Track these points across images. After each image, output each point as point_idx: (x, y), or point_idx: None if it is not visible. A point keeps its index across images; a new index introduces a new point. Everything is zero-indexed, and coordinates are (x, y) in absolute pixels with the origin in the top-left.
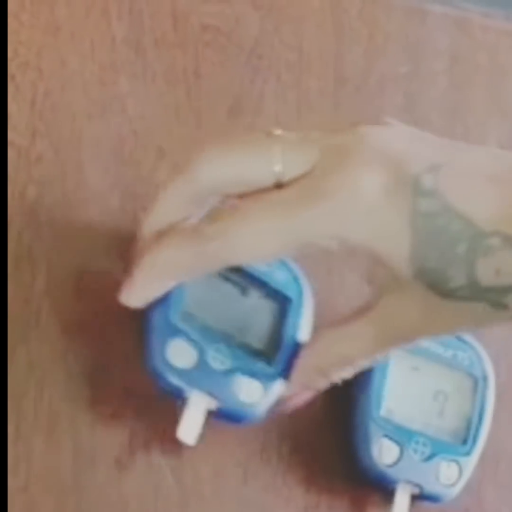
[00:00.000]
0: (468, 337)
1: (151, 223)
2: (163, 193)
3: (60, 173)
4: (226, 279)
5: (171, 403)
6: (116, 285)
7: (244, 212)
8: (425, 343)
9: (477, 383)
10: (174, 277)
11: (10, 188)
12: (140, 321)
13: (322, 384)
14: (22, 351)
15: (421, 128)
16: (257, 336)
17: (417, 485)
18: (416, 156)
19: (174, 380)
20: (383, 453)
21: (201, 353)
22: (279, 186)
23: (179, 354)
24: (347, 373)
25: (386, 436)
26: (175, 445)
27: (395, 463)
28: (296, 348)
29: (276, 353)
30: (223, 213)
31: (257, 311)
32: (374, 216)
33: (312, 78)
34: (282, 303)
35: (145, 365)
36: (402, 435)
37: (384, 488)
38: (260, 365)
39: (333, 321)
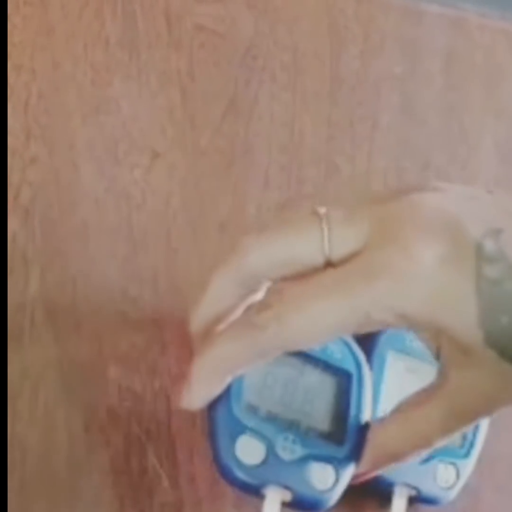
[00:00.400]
0: None
1: (201, 316)
2: (212, 284)
3: (54, 175)
4: (282, 362)
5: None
6: (109, 287)
7: (297, 296)
8: (420, 344)
9: None
10: (232, 372)
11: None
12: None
13: (395, 465)
14: (17, 355)
15: (418, 128)
16: (322, 417)
17: (415, 488)
18: (473, 219)
19: (247, 478)
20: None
21: (270, 445)
22: (329, 265)
23: (248, 450)
24: (421, 453)
25: None
26: (170, 449)
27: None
28: (364, 426)
29: (344, 433)
30: (272, 299)
31: (318, 391)
32: (436, 287)
33: (307, 79)
34: (343, 379)
35: (215, 463)
36: None
37: (381, 491)
38: (329, 448)
39: (402, 403)
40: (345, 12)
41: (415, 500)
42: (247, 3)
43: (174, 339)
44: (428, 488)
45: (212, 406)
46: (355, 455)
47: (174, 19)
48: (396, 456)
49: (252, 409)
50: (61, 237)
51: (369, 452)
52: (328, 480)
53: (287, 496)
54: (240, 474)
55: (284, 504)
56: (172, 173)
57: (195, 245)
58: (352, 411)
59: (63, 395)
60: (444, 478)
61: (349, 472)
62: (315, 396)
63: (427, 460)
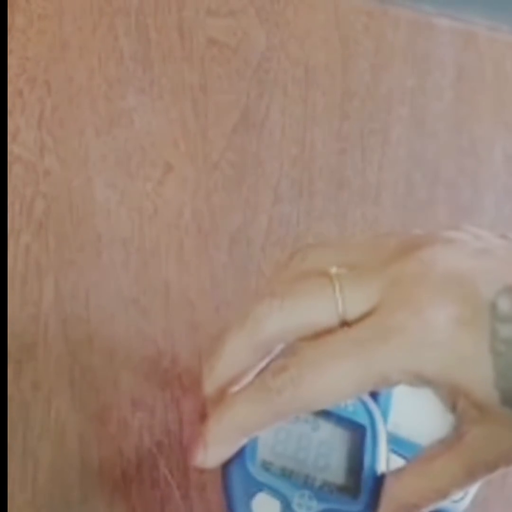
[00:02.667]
0: None
1: (214, 379)
2: (225, 349)
3: (67, 188)
4: (295, 417)
5: (172, 419)
6: (122, 298)
7: (312, 359)
8: None
9: None
10: (247, 433)
11: (18, 202)
12: (152, 327)
13: None
14: (30, 366)
15: (428, 141)
16: (337, 471)
17: None
18: (487, 276)
19: None
20: (390, 468)
21: (286, 502)
22: (344, 324)
23: (264, 508)
24: (436, 505)
25: (392, 450)
26: (181, 460)
27: None
28: (379, 478)
29: (359, 486)
30: (288, 361)
31: (332, 444)
32: (451, 350)
33: (318, 92)
34: (356, 432)
35: None
36: (408, 450)
37: None
38: (345, 502)
39: (419, 456)
40: (355, 26)
41: None
42: (259, 17)
43: (185, 351)
44: None
45: (227, 462)
46: (371, 508)
47: (187, 33)
48: (412, 508)
49: (267, 466)
50: (75, 249)
51: (385, 504)
52: None
53: None
54: None
55: None
56: (184, 186)
57: (206, 257)
58: (367, 464)
59: (75, 406)
60: None
61: None
62: (329, 450)
63: None
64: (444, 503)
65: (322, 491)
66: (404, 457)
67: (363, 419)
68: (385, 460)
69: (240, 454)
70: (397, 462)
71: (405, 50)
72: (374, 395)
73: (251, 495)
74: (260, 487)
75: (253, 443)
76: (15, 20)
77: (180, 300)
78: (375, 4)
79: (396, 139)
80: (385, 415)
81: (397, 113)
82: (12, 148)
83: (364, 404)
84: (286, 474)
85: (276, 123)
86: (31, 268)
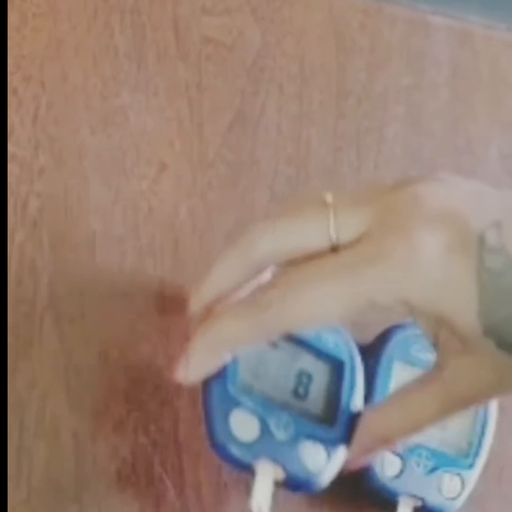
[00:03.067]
0: None
1: (202, 295)
2: (216, 266)
3: (62, 186)
4: (277, 347)
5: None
6: (117, 297)
7: (302, 278)
8: (427, 355)
9: None
10: (231, 348)
11: (12, 200)
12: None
13: (385, 449)
14: (25, 365)
15: (423, 139)
16: (315, 401)
17: (420, 498)
18: (476, 212)
19: (240, 453)
20: (385, 465)
21: (264, 422)
22: (335, 249)
23: (242, 426)
24: (412, 438)
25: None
26: (176, 458)
27: (398, 475)
28: (355, 411)
29: (336, 417)
30: (277, 280)
31: (312, 375)
32: (438, 276)
33: (314, 91)
34: (335, 367)
35: (209, 440)
36: (404, 448)
37: (386, 501)
38: (321, 429)
39: (398, 389)
40: (351, 24)
41: (420, 510)
42: (254, 15)
43: (180, 350)
44: (433, 499)
45: (208, 383)
46: (346, 437)
47: (182, 31)
48: (387, 440)
49: (247, 389)
50: (69, 248)
51: (361, 436)
52: (320, 461)
53: (279, 474)
54: (234, 450)
55: (277, 484)
56: (179, 184)
57: (201, 256)
58: (344, 398)
59: (70, 405)
60: (449, 489)
61: (340, 455)
62: (308, 380)
63: (432, 470)
64: (439, 499)
65: (299, 417)
66: (400, 456)
67: (343, 355)
68: (361, 398)
69: (220, 375)
70: (393, 461)
71: (401, 48)
72: (370, 392)
73: (229, 412)
74: (238, 404)
75: (235, 366)
76: (10, 18)
77: (175, 299)
78: (371, 2)
79: (392, 137)
80: None
81: (393, 111)
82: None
83: (345, 341)
84: (265, 398)
85: (271, 121)
86: (25, 267)
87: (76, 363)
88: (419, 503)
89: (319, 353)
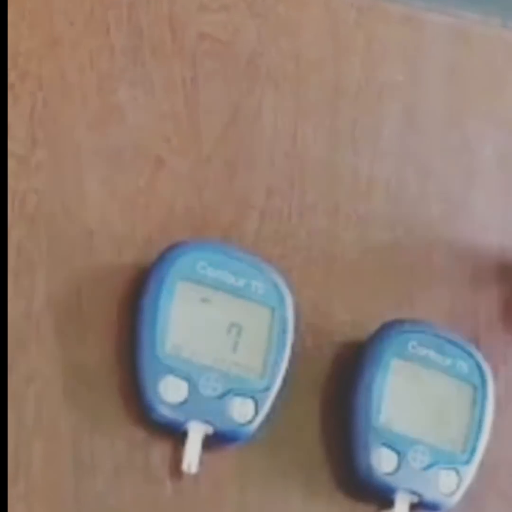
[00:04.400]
0: (468, 345)
1: None
2: None
3: (59, 183)
4: (207, 301)
5: None
6: (115, 294)
7: None
8: (425, 351)
9: (477, 391)
10: None
11: (9, 197)
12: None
13: None
14: (22, 362)
15: (419, 137)
16: (245, 353)
17: (416, 494)
18: None
19: (169, 415)
20: (382, 461)
21: (192, 384)
22: None
23: (170, 389)
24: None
25: (384, 444)
26: (173, 454)
27: (394, 471)
28: (286, 358)
29: (266, 366)
30: None
31: (241, 326)
32: None
33: (310, 87)
34: (265, 313)
35: (139, 402)
36: (401, 444)
37: (383, 497)
38: (251, 381)
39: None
40: (347, 21)
41: (417, 506)
42: (250, 11)
43: None
44: (430, 494)
45: (138, 346)
46: (274, 385)
47: (178, 28)
48: None
49: (177, 350)
50: (67, 244)
51: None
52: (248, 413)
53: (209, 430)
54: (163, 411)
55: (207, 438)
56: (176, 180)
57: None
58: (274, 345)
59: (67, 402)
60: (446, 484)
61: (269, 404)
62: (238, 331)
63: (429, 466)
64: (436, 495)
65: (230, 371)
66: (397, 452)
67: (273, 301)
68: (290, 344)
69: (149, 336)
70: (390, 456)
71: (396, 45)
72: (367, 387)
73: (158, 377)
74: (167, 370)
75: (165, 325)
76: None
77: None
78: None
79: (387, 135)
80: (378, 409)
81: (388, 108)
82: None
83: (275, 286)
84: (194, 356)
85: (267, 118)
86: (23, 263)
87: (74, 359)
88: (416, 499)
89: (249, 302)
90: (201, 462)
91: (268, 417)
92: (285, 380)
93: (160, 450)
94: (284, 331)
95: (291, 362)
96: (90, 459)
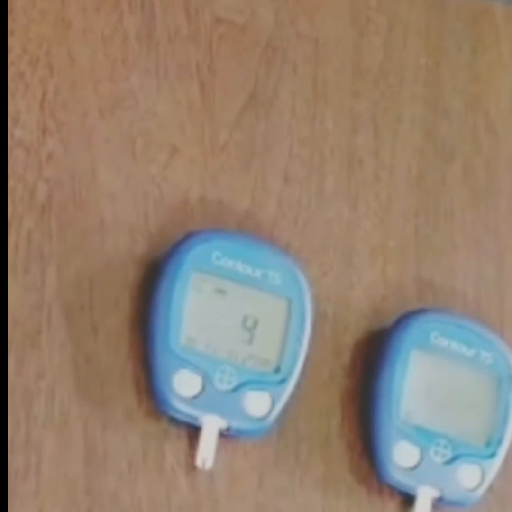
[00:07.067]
0: (492, 335)
1: None
2: None
3: (71, 172)
4: (222, 292)
5: None
6: (128, 286)
7: None
8: (447, 341)
9: (501, 383)
10: None
11: (19, 187)
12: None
13: None
14: (33, 355)
15: (442, 120)
16: (261, 344)
17: (438, 489)
18: None
19: (183, 409)
20: (403, 456)
21: (207, 378)
22: None
23: (184, 383)
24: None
25: (406, 438)
26: (188, 448)
27: (416, 466)
28: (302, 352)
29: (282, 359)
30: None
31: (257, 318)
32: None
33: (329, 70)
34: (282, 305)
35: (153, 395)
36: (422, 438)
37: (404, 492)
38: (267, 375)
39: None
40: (368, 2)
41: (439, 502)
42: None
43: None
44: (452, 490)
45: (152, 338)
46: (290, 379)
47: (193, 11)
48: None
49: (191, 342)
50: (78, 235)
51: None
52: (263, 407)
53: (224, 425)
54: (177, 406)
55: (222, 434)
56: (191, 168)
57: None
58: (291, 337)
59: (79, 396)
60: (469, 480)
61: (285, 397)
62: (254, 323)
63: (451, 460)
64: (458, 491)
65: (245, 365)
66: (419, 446)
67: (290, 292)
68: (308, 336)
69: (163, 328)
70: (412, 451)
71: (419, 27)
72: (388, 380)
73: (172, 371)
74: (181, 363)
75: (178, 318)
76: (16, 0)
77: None
78: None
79: (410, 118)
80: (398, 402)
81: (410, 91)
82: (13, 132)
83: (293, 276)
84: (209, 348)
85: (285, 102)
86: (33, 255)
87: (85, 352)
88: (437, 494)
89: (266, 292)
90: (217, 458)
91: (286, 411)
92: (303, 373)
93: (174, 446)
94: (301, 323)
95: (309, 354)
96: (103, 455)
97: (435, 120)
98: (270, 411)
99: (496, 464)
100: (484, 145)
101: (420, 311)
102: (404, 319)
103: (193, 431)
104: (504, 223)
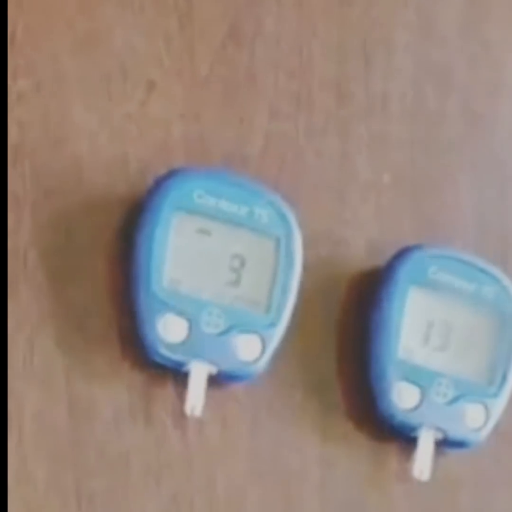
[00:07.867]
0: (494, 269)
1: None
2: None
3: (43, 112)
4: (206, 232)
5: None
6: (108, 227)
7: None
8: (446, 276)
9: (504, 318)
10: None
11: None
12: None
13: None
14: (11, 305)
15: (437, 47)
16: (250, 284)
17: (441, 430)
18: None
19: (170, 355)
20: (403, 396)
21: (193, 321)
22: None
23: (170, 327)
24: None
25: (405, 378)
26: (176, 397)
27: (416, 407)
28: (291, 293)
29: (271, 300)
30: None
31: (245, 259)
32: None
33: None
34: (270, 243)
35: (137, 342)
36: (423, 377)
37: (405, 435)
38: (256, 317)
39: None
40: None
41: (442, 443)
42: None
43: None
44: (455, 430)
45: (133, 282)
46: (281, 321)
47: None
48: None
49: (175, 285)
50: (54, 176)
51: None
52: (254, 351)
53: (213, 370)
54: (163, 352)
55: (211, 378)
56: (171, 105)
57: None
58: (280, 277)
59: (60, 346)
60: (473, 419)
61: (276, 340)
62: (240, 263)
63: (453, 400)
64: (462, 431)
65: (232, 306)
66: (419, 386)
67: (278, 231)
68: (298, 276)
69: (145, 272)
70: (412, 391)
71: None
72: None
73: (156, 316)
74: (165, 307)
75: (161, 260)
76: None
77: None
78: None
79: (402, 46)
80: (397, 341)
81: (402, 18)
82: None
83: (281, 214)
84: (194, 291)
85: (269, 33)
86: (9, 198)
87: (65, 299)
88: (440, 435)
89: (253, 231)
90: (206, 406)
91: (278, 354)
92: (294, 315)
93: (161, 394)
94: (290, 262)
95: (303, 295)
96: (87, 406)
97: (429, 48)
98: (261, 355)
99: (500, 403)
100: (482, 72)
101: (418, 247)
102: (400, 254)
103: (181, 379)
104: (506, 153)
